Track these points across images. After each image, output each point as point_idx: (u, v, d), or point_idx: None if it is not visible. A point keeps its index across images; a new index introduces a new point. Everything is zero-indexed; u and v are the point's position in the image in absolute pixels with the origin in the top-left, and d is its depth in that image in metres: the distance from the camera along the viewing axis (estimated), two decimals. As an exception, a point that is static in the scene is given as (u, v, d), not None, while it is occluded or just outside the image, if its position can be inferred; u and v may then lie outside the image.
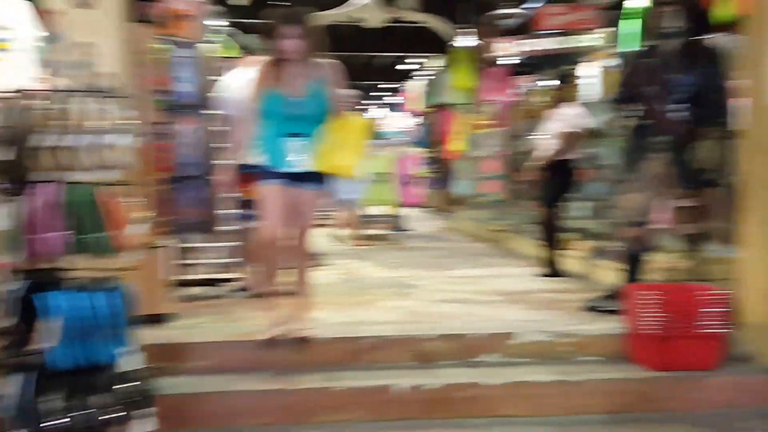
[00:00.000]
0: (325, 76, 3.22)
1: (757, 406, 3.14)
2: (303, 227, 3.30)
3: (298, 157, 3.18)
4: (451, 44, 9.61)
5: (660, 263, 4.02)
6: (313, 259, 4.09)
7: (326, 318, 3.69)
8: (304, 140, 3.18)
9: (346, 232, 7.84)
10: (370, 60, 11.27)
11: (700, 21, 3.97)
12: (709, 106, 3.68)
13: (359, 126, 3.31)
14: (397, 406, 3.07)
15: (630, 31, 5.74)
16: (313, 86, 3.18)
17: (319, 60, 3.24)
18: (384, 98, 17.03)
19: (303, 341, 3.26)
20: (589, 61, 6.59)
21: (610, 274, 4.23)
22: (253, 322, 3.24)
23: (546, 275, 5.25)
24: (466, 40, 9.20)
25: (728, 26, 4.00)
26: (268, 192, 3.20)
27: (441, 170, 11.01)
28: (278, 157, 3.20)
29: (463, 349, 3.45)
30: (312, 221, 3.40)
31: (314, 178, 3.22)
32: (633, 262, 3.82)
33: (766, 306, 3.32)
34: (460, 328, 3.64)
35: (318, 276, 3.85)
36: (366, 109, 15.42)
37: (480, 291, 4.79)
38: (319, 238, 5.45)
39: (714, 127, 3.73)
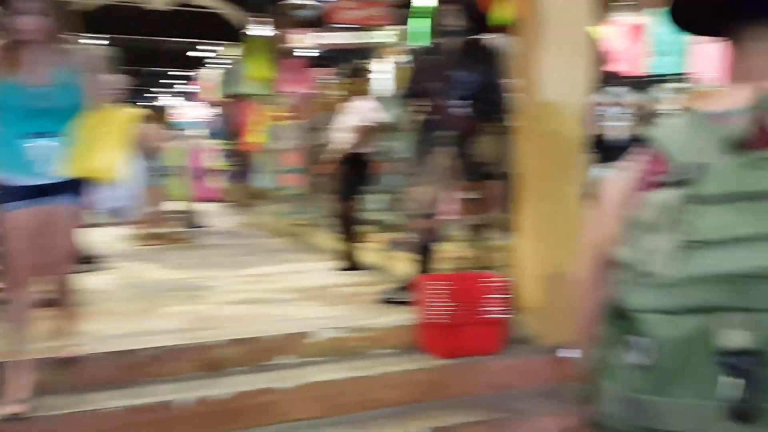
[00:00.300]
0: (77, 61, 2.68)
1: (535, 386, 3.34)
2: (61, 248, 2.74)
3: (45, 163, 2.59)
4: (246, 32, 9.29)
5: (448, 253, 4.16)
6: (85, 263, 3.63)
7: (99, 330, 3.28)
8: (52, 141, 2.60)
9: (133, 231, 7.21)
10: (158, 45, 10.51)
11: (480, 21, 4.15)
12: (489, 103, 3.87)
13: (122, 119, 2.80)
14: (181, 423, 2.81)
15: (419, 29, 5.92)
16: (62, 74, 2.63)
17: (70, 42, 2.72)
18: (175, 86, 16.06)
19: (69, 361, 2.86)
20: (382, 56, 6.71)
21: (404, 265, 4.30)
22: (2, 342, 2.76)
23: (344, 269, 5.23)
24: (261, 29, 8.93)
25: (505, 28, 4.23)
26: (10, 219, 2.58)
27: (240, 163, 10.65)
28: (18, 165, 2.59)
29: (256, 353, 3.28)
30: (73, 237, 2.82)
31: (68, 187, 2.64)
32: (424, 252, 3.92)
33: (540, 291, 3.56)
34: (253, 330, 3.45)
35: (91, 282, 3.43)
36: (155, 97, 14.42)
37: (277, 289, 4.63)
38: (98, 239, 4.91)
39: (493, 123, 3.93)
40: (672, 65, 4.66)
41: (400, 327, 3.51)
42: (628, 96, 3.20)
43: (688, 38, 4.84)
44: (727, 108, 0.67)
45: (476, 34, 4.00)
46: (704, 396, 0.54)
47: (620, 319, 0.60)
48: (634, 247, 0.61)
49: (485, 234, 4.09)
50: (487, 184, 4.02)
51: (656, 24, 4.90)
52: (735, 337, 0.54)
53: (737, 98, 0.67)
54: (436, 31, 4.10)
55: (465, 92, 3.82)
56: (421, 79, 3.94)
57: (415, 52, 4.34)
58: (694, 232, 0.58)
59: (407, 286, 3.84)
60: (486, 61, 3.93)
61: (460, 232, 4.32)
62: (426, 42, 4.66)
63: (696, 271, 0.57)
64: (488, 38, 4.13)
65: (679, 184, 0.62)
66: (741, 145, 0.61)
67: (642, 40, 5.02)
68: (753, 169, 0.59)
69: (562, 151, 3.53)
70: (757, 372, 0.53)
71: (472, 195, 3.99)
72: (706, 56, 4.36)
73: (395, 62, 6.34)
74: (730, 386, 0.53)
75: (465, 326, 3.33)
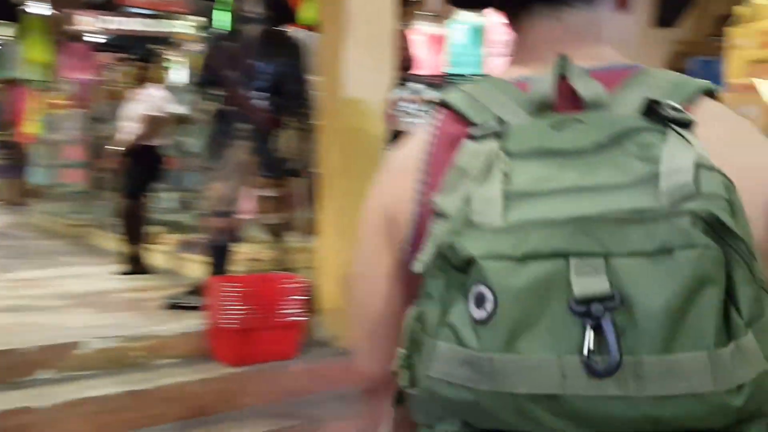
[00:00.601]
0: None
1: (333, 390, 3.21)
2: None
3: None
4: (22, 10, 8.22)
5: (245, 254, 3.93)
6: None
7: None
8: None
9: None
10: None
11: (283, 11, 3.98)
12: (291, 96, 3.71)
13: None
14: None
15: (223, 21, 5.62)
16: None
17: None
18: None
19: None
20: (178, 45, 6.28)
21: (197, 267, 3.98)
22: None
23: (128, 272, 4.75)
24: (39, 7, 7.96)
25: (311, 24, 4.12)
26: None
27: (12, 156, 9.42)
28: None
29: (12, 367, 2.80)
30: None
31: None
32: (218, 253, 3.64)
33: (339, 292, 3.46)
34: (10, 342, 2.94)
35: None
36: None
37: (46, 295, 4.05)
38: None
39: (295, 118, 3.77)
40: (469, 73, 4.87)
41: (187, 334, 3.21)
42: (427, 93, 3.23)
43: (485, 51, 5.12)
44: (525, 75, 0.65)
45: (278, 24, 3.82)
46: (556, 349, 0.47)
47: (452, 269, 0.51)
48: (455, 197, 0.55)
49: (285, 234, 3.91)
50: (288, 181, 3.85)
51: (456, 35, 5.12)
52: (588, 283, 0.47)
53: (532, 67, 0.66)
54: (236, 17, 3.85)
55: (263, 83, 3.62)
56: (217, 66, 3.66)
57: (210, 38, 4.03)
58: (514, 183, 0.53)
59: (197, 290, 3.54)
60: (287, 53, 3.77)
61: (258, 232, 4.10)
62: (225, 28, 4.38)
63: (524, 217, 0.51)
64: (290, 30, 3.98)
65: (490, 137, 0.57)
66: (543, 108, 0.60)
67: (442, 50, 5.20)
68: (557, 130, 0.56)
69: (365, 148, 3.46)
70: (614, 319, 0.46)
71: (271, 193, 3.79)
72: (499, 67, 4.60)
73: (191, 52, 5.95)
74: (586, 337, 0.46)
75: (259, 331, 3.12)
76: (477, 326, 0.48)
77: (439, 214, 0.55)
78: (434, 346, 0.51)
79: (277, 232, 3.85)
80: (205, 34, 4.80)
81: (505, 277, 0.48)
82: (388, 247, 0.68)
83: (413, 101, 3.23)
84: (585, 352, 0.46)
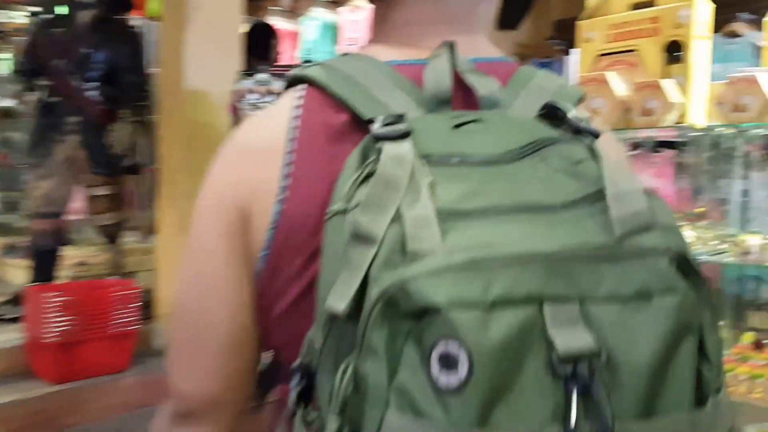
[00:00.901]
0: None
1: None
2: None
3: None
4: None
5: (74, 258, 3.60)
6: None
7: None
8: None
9: None
10: None
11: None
12: (127, 88, 3.46)
13: None
14: None
15: (62, 11, 5.20)
16: None
17: None
18: None
19: None
20: (8, 35, 5.74)
21: (21, 273, 3.60)
22: None
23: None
24: None
25: (155, 16, 3.88)
26: None
27: None
28: None
29: None
30: None
31: None
32: (43, 258, 3.32)
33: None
34: None
35: None
36: None
37: None
38: None
39: (132, 110, 3.51)
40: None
41: (1, 350, 2.86)
42: (274, 84, 3.12)
43: (337, 47, 5.08)
44: (403, 59, 0.56)
45: (113, 11, 3.54)
46: (535, 419, 0.39)
47: (396, 316, 0.40)
48: (382, 216, 0.43)
49: (120, 235, 3.62)
50: (124, 179, 3.58)
51: (308, 31, 5.04)
52: (570, 337, 0.39)
53: (403, 51, 0.57)
54: (69, 3, 3.53)
55: (95, 73, 3.34)
56: (42, 54, 3.34)
57: (36, 22, 3.67)
58: (439, 199, 0.43)
59: (18, 299, 3.19)
60: (123, 41, 3.50)
61: (89, 233, 3.78)
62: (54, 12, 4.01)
63: (473, 246, 0.42)
64: (126, 18, 3.71)
65: (402, 137, 0.46)
66: (441, 103, 0.52)
67: (295, 46, 5.11)
68: (458, 130, 0.49)
69: (208, 142, 3.28)
70: (604, 382, 0.39)
71: (105, 191, 3.49)
72: (356, 47, 4.58)
73: (21, 41, 5.45)
74: (573, 404, 0.39)
75: (86, 343, 2.84)
76: (443, 395, 0.39)
77: (362, 238, 0.43)
78: (383, 419, 0.40)
79: (111, 233, 3.56)
80: (32, 19, 4.37)
81: (480, 332, 0.38)
82: (236, 250, 0.56)
83: (260, 93, 3.11)
84: (572, 422, 0.38)
